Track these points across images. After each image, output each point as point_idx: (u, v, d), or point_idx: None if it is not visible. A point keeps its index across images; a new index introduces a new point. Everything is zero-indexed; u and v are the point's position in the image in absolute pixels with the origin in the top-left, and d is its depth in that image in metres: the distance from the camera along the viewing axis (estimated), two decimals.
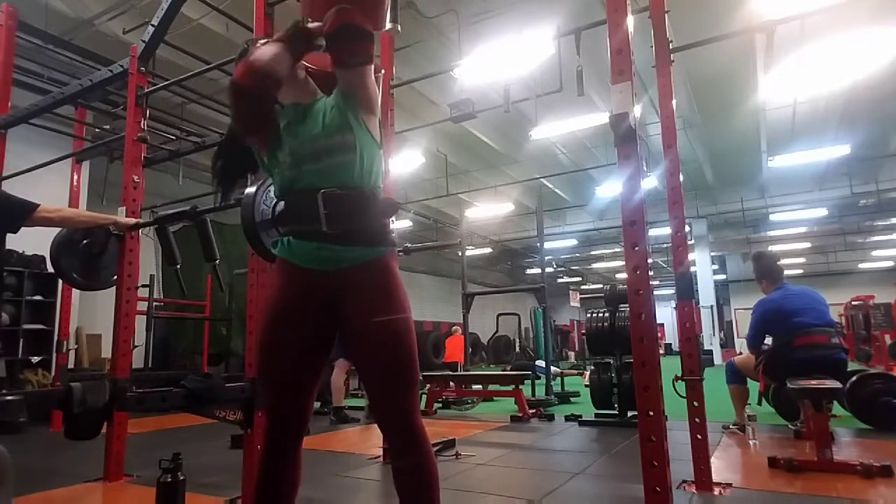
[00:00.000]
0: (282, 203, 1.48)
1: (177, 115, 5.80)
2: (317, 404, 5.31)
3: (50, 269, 4.17)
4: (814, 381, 3.17)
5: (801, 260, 20.40)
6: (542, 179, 11.53)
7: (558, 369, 8.78)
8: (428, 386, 6.09)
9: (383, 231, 1.47)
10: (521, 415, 5.31)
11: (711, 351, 15.48)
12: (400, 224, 12.74)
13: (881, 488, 2.64)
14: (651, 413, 1.85)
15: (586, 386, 6.08)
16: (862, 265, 20.76)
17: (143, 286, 5.09)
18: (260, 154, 1.53)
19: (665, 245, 16.22)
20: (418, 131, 8.17)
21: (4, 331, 5.61)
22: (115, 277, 3.21)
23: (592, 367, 5.40)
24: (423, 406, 5.67)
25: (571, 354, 20.18)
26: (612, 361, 4.98)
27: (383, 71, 1.67)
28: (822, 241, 17.55)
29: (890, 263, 20.47)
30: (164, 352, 8.25)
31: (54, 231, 3.02)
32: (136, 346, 3.51)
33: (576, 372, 10.04)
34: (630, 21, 2.07)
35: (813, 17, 3.49)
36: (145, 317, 6.48)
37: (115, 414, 2.94)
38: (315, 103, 1.52)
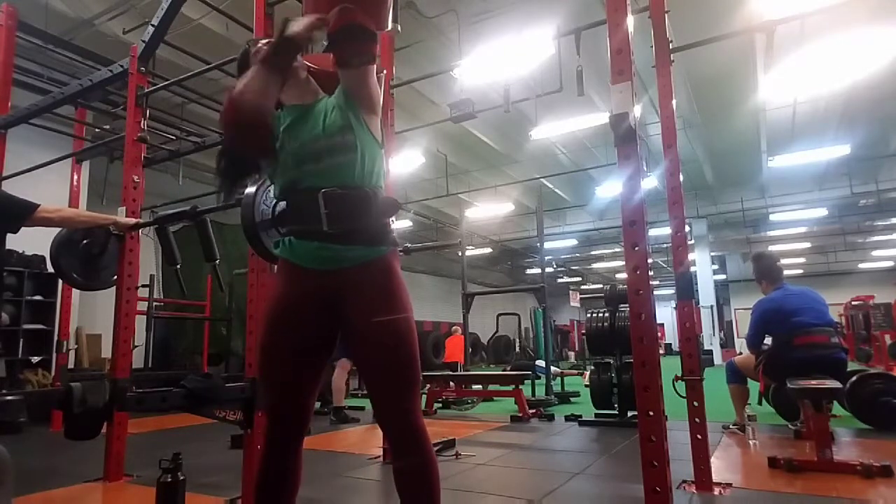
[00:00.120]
0: (283, 203, 1.49)
1: (177, 115, 5.80)
2: (317, 404, 5.31)
3: (50, 269, 4.16)
4: (814, 381, 3.17)
5: (801, 260, 20.40)
6: (542, 179, 11.54)
7: (558, 369, 8.78)
8: (428, 386, 6.09)
9: (384, 230, 1.47)
10: (521, 415, 5.31)
11: (711, 351, 15.48)
12: (400, 224, 12.74)
13: (881, 488, 2.64)
14: (651, 413, 1.85)
15: (586, 386, 6.08)
16: (862, 265, 20.76)
17: (143, 286, 5.09)
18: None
19: (665, 245, 16.23)
20: (418, 131, 8.16)
21: (4, 331, 5.61)
22: (115, 277, 3.21)
23: (592, 367, 5.40)
24: (423, 406, 5.67)
25: (571, 354, 20.18)
26: (612, 361, 4.98)
27: (385, 71, 1.67)
28: (822, 241, 17.54)
29: (890, 263, 20.47)
30: (164, 352, 8.24)
31: (54, 231, 3.02)
32: (136, 346, 3.51)
33: (576, 372, 10.04)
34: (630, 21, 2.07)
35: (813, 17, 3.49)
36: (145, 317, 6.48)
37: (115, 414, 2.95)
38: (316, 104, 1.53)
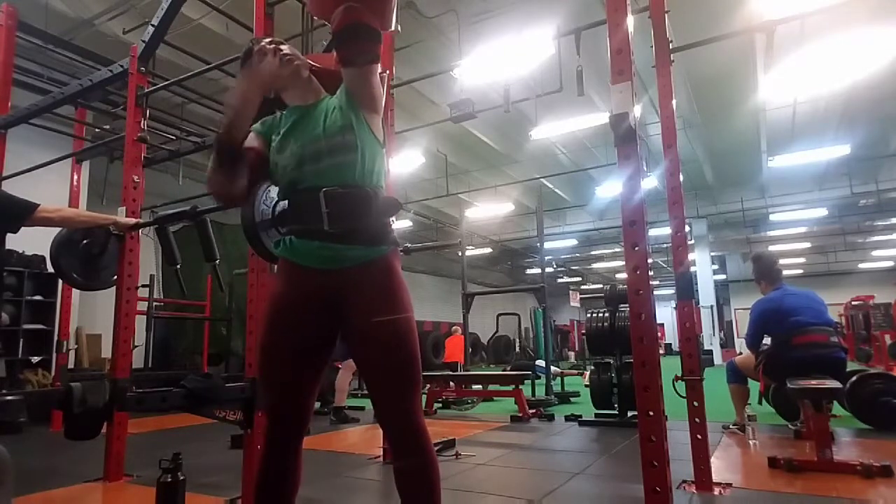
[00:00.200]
0: (284, 202, 1.49)
1: (177, 115, 5.80)
2: (317, 404, 5.31)
3: (50, 269, 4.16)
4: (814, 381, 3.17)
5: (801, 260, 20.40)
6: (542, 179, 11.54)
7: (558, 369, 8.78)
8: (428, 386, 6.09)
9: (385, 230, 1.47)
10: (521, 415, 5.31)
11: (711, 351, 15.49)
12: (400, 224, 12.74)
13: (881, 488, 2.64)
14: (651, 413, 1.85)
15: (586, 386, 6.08)
16: (862, 265, 20.77)
17: (143, 286, 5.09)
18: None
19: (665, 245, 16.23)
20: (418, 131, 8.16)
21: (4, 331, 5.61)
22: (115, 277, 3.21)
23: (592, 367, 5.40)
24: (423, 406, 5.66)
25: (571, 354, 20.17)
26: (612, 361, 4.98)
27: (388, 71, 1.67)
28: (822, 241, 17.55)
29: (890, 263, 20.47)
30: (164, 352, 8.24)
31: (54, 231, 3.02)
32: (136, 346, 3.51)
33: (576, 372, 10.04)
34: (630, 21, 2.07)
35: (813, 17, 3.49)
36: (145, 317, 6.48)
37: (115, 414, 2.95)
38: (318, 104, 1.53)
